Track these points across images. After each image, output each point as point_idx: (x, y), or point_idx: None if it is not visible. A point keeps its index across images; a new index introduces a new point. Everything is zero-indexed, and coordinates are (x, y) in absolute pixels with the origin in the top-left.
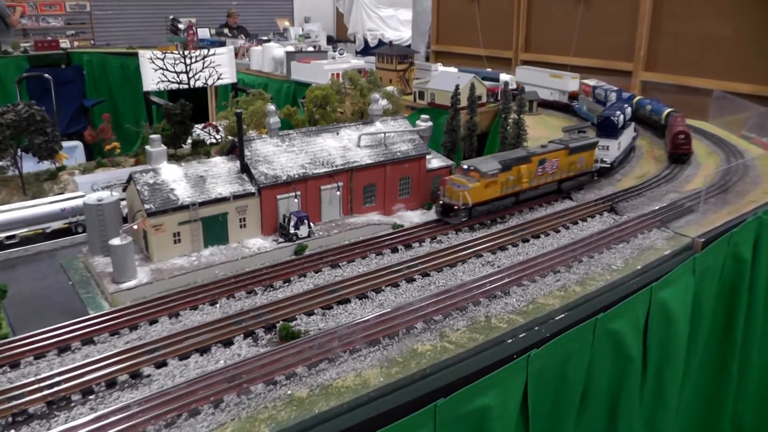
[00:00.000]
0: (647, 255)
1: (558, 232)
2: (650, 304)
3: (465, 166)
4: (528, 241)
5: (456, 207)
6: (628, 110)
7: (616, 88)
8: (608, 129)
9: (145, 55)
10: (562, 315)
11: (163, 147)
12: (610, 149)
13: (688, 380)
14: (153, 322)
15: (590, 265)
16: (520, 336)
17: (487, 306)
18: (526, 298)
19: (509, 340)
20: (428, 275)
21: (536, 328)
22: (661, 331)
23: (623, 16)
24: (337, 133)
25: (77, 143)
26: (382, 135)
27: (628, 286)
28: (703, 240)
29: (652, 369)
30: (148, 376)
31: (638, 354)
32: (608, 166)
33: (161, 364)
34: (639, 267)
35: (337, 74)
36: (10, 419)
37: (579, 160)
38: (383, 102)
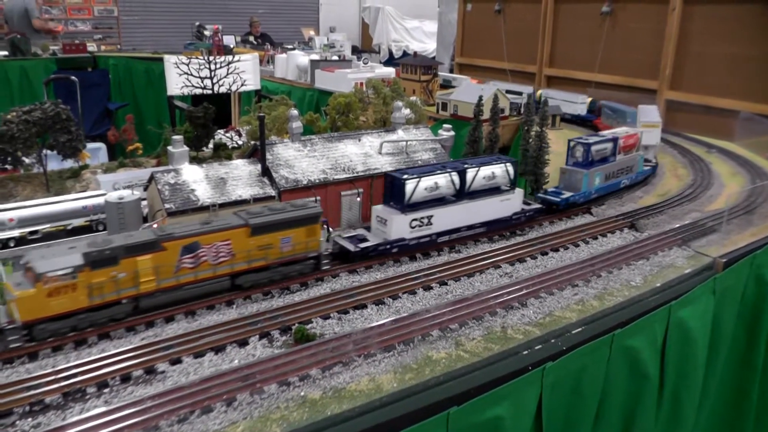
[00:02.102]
0: (667, 273)
1: (577, 246)
2: (668, 323)
3: (22, 262)
4: (547, 254)
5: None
6: (500, 170)
7: (589, 142)
8: (394, 195)
9: (170, 59)
10: (579, 329)
11: (185, 148)
12: (389, 225)
13: (705, 402)
14: (169, 319)
15: (609, 281)
16: (536, 348)
17: (503, 317)
18: (543, 311)
19: (525, 352)
20: (445, 284)
21: (552, 340)
22: (679, 350)
23: (649, 34)
24: (359, 140)
25: (101, 145)
26: (404, 143)
27: (646, 303)
28: (724, 260)
29: (668, 388)
30: (163, 372)
31: (655, 372)
32: (357, 251)
33: (176, 361)
34: (658, 284)
35: (361, 83)
36: (27, 408)
37: (281, 242)
38: (406, 111)
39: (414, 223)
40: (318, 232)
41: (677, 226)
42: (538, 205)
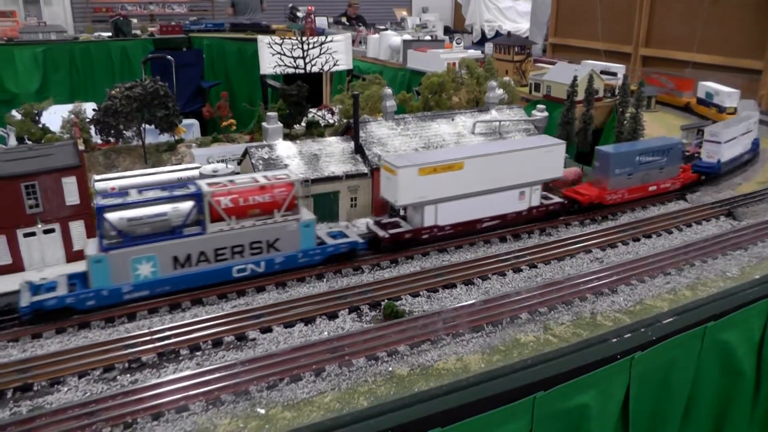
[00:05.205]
0: (767, 265)
1: (670, 233)
2: (767, 318)
3: None
4: (639, 240)
5: None
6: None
7: (108, 204)
8: None
9: (264, 39)
10: (670, 319)
11: (280, 124)
12: None
13: None
14: (260, 289)
15: (703, 270)
16: (625, 336)
17: (593, 302)
18: (633, 298)
19: (614, 339)
20: (535, 267)
21: (642, 329)
22: None
23: (754, 10)
24: (452, 119)
25: (194, 121)
26: (497, 123)
27: (743, 295)
28: None
29: (765, 388)
30: (253, 339)
31: (751, 370)
32: None
33: (266, 330)
34: (757, 276)
35: (453, 63)
36: (126, 365)
37: None
38: (499, 91)
39: None
40: None
41: None
42: None
